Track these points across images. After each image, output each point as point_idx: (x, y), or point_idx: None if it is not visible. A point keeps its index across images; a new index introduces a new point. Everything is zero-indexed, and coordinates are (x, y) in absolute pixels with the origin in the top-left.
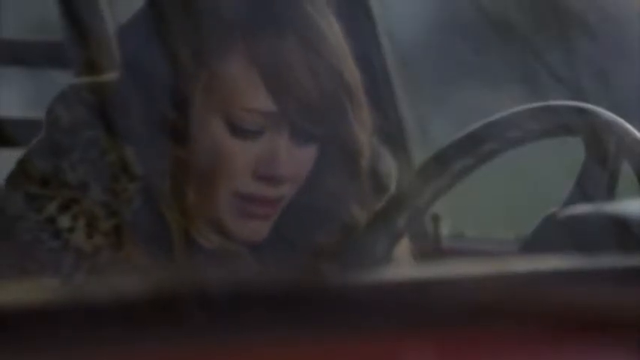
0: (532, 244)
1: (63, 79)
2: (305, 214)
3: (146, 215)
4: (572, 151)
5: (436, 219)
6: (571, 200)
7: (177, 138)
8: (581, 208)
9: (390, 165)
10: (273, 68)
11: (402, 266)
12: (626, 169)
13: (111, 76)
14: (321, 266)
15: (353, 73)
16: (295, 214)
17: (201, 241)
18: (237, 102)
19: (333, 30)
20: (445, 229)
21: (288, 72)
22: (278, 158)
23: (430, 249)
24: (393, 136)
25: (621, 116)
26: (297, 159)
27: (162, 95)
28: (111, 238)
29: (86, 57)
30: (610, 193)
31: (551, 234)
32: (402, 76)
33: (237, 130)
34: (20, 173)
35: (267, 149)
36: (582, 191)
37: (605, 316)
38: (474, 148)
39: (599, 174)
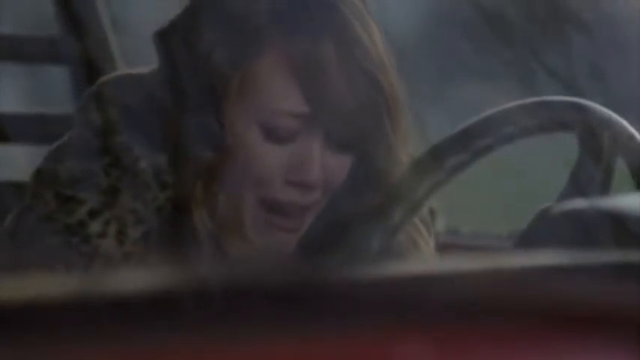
0: (527, 240)
1: (59, 74)
2: (335, 227)
3: (176, 223)
4: (567, 146)
5: (431, 214)
6: (566, 195)
7: (209, 143)
8: (576, 203)
9: None
10: (307, 70)
11: (406, 260)
12: (620, 165)
13: (144, 71)
14: (317, 262)
15: (393, 86)
16: (325, 228)
17: (229, 248)
18: (270, 103)
19: (374, 40)
20: (440, 225)
21: (322, 74)
22: (310, 163)
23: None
24: None
25: (617, 113)
26: (329, 166)
27: (196, 99)
28: (139, 245)
29: (83, 52)
30: (604, 189)
31: (546, 229)
32: (398, 73)
33: (269, 134)
34: (49, 171)
35: (299, 154)
36: (577, 186)
37: (600, 311)
38: (469, 143)
39: (593, 169)
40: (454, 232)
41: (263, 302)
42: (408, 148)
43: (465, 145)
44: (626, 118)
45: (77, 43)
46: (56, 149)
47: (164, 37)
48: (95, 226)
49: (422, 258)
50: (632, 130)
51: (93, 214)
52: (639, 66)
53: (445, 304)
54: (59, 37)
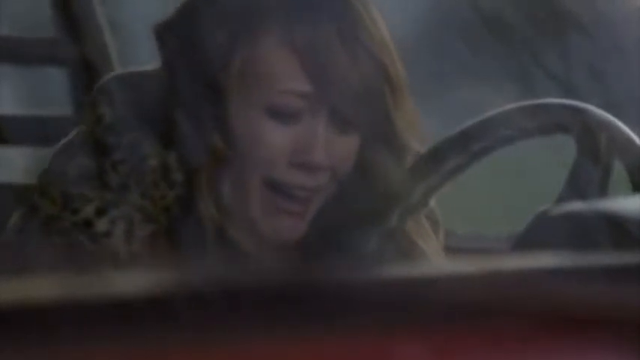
0: (525, 242)
1: (56, 76)
2: (339, 214)
3: (184, 222)
4: (566, 147)
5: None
6: (564, 197)
7: (215, 128)
8: (574, 206)
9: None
10: (309, 51)
11: (404, 262)
12: (618, 167)
13: (149, 69)
14: (316, 263)
15: (396, 67)
16: (329, 215)
17: (237, 239)
18: (273, 84)
19: (376, 23)
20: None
21: (324, 54)
22: (315, 144)
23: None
24: None
25: (614, 115)
26: (335, 148)
27: (200, 86)
28: (147, 244)
29: (80, 54)
30: (602, 191)
31: (544, 231)
32: None
33: (273, 113)
34: (57, 169)
35: (303, 135)
36: (575, 188)
37: (598, 313)
38: (467, 145)
39: (591, 171)
40: (451, 234)
41: (261, 304)
42: (417, 134)
43: (464, 147)
44: (625, 119)
45: (75, 44)
46: (64, 147)
47: (164, 29)
48: (102, 225)
49: (421, 255)
50: (629, 132)
51: (100, 213)
52: (638, 67)
53: (444, 305)
54: (57, 39)
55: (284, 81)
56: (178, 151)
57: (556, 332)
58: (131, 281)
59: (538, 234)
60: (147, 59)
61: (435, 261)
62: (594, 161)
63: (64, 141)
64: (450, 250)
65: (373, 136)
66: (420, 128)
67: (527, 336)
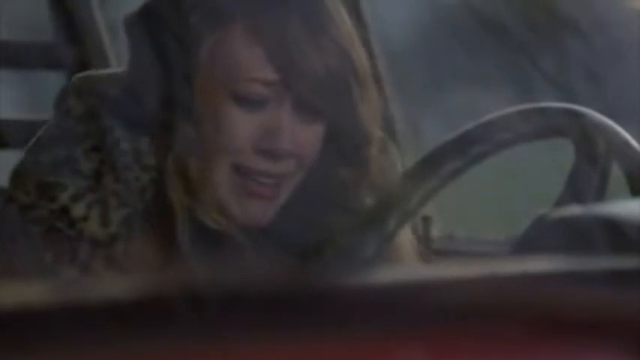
0: (523, 245)
1: (55, 80)
2: (312, 202)
3: (156, 203)
4: (564, 152)
5: (426, 220)
6: (562, 201)
7: (182, 113)
8: (572, 210)
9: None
10: (275, 42)
11: (401, 266)
12: (616, 171)
13: (118, 69)
14: (310, 267)
15: (360, 58)
16: (302, 203)
17: (206, 221)
18: (239, 72)
19: (341, 15)
20: (435, 230)
21: (291, 45)
22: (280, 131)
23: (420, 250)
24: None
25: (612, 118)
26: (300, 135)
27: (168, 73)
28: (123, 228)
29: (78, 57)
30: (600, 194)
31: (542, 235)
32: (393, 78)
33: (239, 100)
34: (30, 161)
35: (269, 122)
36: (573, 192)
37: (596, 317)
38: (465, 149)
39: (589, 175)
40: (449, 238)
41: (257, 308)
42: (377, 121)
43: (461, 152)
44: (623, 123)
45: (73, 47)
46: (35, 142)
47: (139, 18)
48: (78, 210)
49: (400, 244)
50: (627, 136)
51: (75, 199)
52: (636, 70)
53: (440, 309)
54: (55, 43)
55: (250, 69)
56: (149, 136)
57: (554, 336)
58: (126, 285)
59: (536, 238)
60: None
61: (407, 246)
62: (593, 165)
63: (34, 138)
64: (449, 253)
65: (338, 124)
66: (381, 116)
67: (525, 339)
